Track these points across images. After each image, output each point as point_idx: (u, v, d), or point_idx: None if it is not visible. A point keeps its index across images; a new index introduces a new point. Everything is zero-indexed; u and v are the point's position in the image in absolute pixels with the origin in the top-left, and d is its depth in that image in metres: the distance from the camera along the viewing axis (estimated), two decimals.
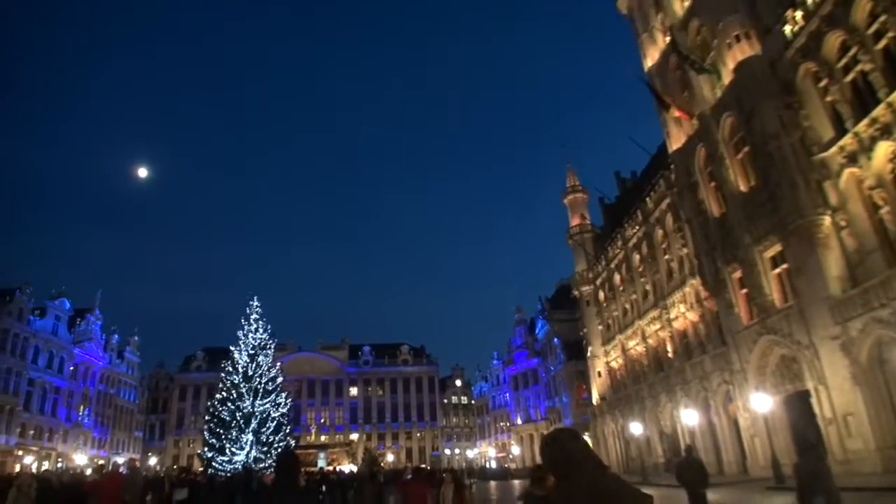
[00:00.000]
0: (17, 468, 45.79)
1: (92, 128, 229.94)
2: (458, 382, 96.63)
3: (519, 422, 76.73)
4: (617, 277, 48.36)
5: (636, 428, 40.06)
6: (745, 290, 27.69)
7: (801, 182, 22.81)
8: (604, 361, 51.57)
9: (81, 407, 63.24)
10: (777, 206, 23.86)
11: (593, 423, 52.50)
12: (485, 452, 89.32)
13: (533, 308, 78.58)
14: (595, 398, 52.45)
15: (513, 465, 73.19)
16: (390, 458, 79.86)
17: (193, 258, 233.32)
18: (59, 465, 51.99)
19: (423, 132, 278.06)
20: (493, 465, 78.26)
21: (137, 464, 30.82)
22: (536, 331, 75.52)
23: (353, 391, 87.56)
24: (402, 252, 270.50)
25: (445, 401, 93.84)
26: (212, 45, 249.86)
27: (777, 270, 25.63)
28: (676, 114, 31.44)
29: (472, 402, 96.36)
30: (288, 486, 4.38)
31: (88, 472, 52.54)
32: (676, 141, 32.79)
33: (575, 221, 57.62)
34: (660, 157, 40.11)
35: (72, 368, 62.15)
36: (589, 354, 53.78)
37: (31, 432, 55.02)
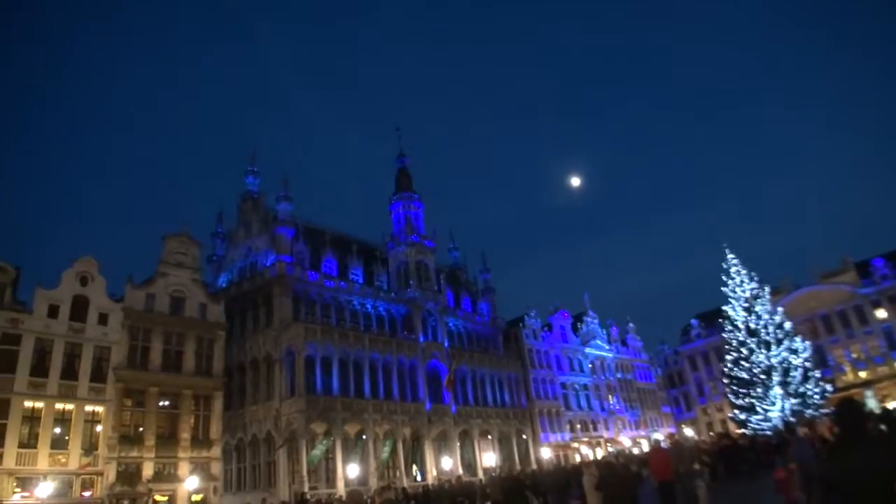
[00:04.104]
0: (577, 458, 53.35)
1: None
2: None
3: None
4: None
5: None
6: None
7: None
8: None
9: (609, 396, 70.11)
10: None
11: None
12: None
13: None
14: None
15: None
16: None
17: (645, 239, 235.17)
18: (610, 449, 58.16)
19: None
20: None
21: (677, 437, 32.20)
22: None
23: (880, 314, 74.27)
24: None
25: None
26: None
27: None
28: None
29: None
30: (854, 438, 3.70)
31: (635, 451, 57.72)
32: None
33: None
34: None
35: (589, 365, 69.67)
36: None
37: (578, 426, 63.35)
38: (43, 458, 28.39)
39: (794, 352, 39.07)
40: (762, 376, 38.47)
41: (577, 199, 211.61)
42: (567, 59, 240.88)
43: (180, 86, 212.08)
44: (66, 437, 29.65)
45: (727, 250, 42.20)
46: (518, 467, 47.66)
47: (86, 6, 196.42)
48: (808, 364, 39.31)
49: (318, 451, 37.85)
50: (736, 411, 40.36)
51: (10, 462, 27.33)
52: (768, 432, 35.67)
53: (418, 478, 43.66)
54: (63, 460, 29.11)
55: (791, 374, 38.23)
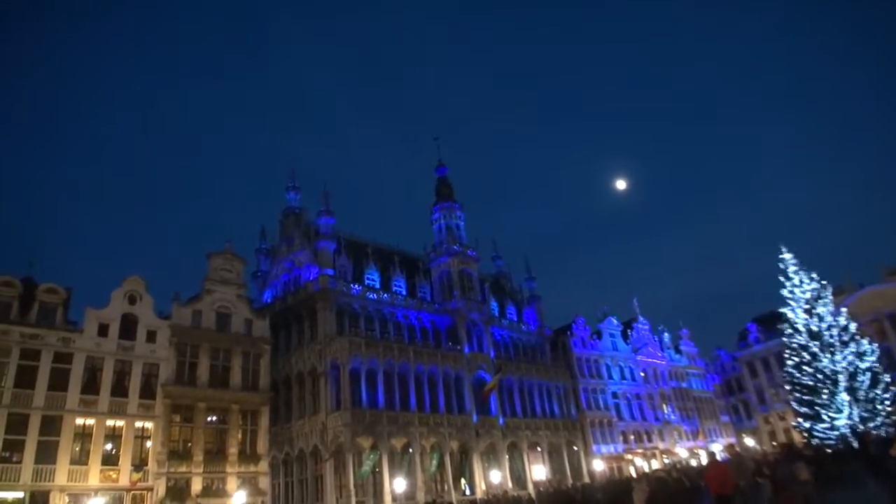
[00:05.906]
0: (632, 470, 51.53)
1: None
2: None
3: None
4: None
5: None
6: None
7: None
8: None
9: (663, 406, 67.73)
10: None
11: None
12: None
13: None
14: None
15: None
16: None
17: (695, 241, 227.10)
18: (666, 460, 56.02)
19: None
20: None
21: (737, 448, 30.58)
22: None
23: None
24: None
25: None
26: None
27: None
28: None
29: None
30: None
31: (693, 462, 55.47)
32: None
33: None
34: None
35: (641, 374, 67.55)
36: None
37: (632, 437, 61.29)
38: (94, 475, 28.84)
39: (861, 355, 36.81)
40: (827, 382, 36.35)
41: (622, 202, 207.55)
42: (593, 62, 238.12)
43: (220, 106, 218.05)
44: (117, 454, 30.08)
45: (784, 249, 40.18)
46: (569, 480, 46.37)
47: (115, 25, 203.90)
48: (876, 367, 36.96)
49: (367, 466, 37.49)
50: (800, 419, 38.22)
51: (61, 478, 27.83)
52: (834, 441, 33.67)
53: (467, 492, 42.81)
54: (114, 476, 29.50)
55: (858, 378, 36.00)
